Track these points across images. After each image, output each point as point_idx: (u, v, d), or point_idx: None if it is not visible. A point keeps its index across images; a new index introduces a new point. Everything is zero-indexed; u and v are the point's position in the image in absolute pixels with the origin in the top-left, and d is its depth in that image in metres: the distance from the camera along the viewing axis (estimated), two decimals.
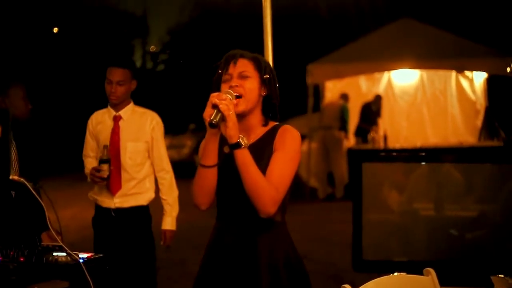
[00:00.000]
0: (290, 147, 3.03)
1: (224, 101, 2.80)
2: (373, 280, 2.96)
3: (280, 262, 3.05)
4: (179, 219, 5.09)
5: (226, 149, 2.98)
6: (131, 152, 4.88)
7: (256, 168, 2.88)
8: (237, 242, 3.04)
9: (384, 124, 13.36)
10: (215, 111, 2.80)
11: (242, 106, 2.98)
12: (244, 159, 2.86)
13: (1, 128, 2.68)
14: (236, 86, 2.98)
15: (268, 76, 3.09)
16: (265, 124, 3.12)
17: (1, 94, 4.32)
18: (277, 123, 3.15)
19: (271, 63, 4.12)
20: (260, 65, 3.08)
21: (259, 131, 3.10)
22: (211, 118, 2.78)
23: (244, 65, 3.04)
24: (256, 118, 3.09)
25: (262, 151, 3.02)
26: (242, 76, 3.02)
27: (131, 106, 4.97)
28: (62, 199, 12.95)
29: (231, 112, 2.80)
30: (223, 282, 3.06)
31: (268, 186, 2.88)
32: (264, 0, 4.28)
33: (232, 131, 2.82)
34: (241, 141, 2.83)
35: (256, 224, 3.00)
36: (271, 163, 2.97)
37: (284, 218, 3.14)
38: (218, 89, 3.03)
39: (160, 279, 5.09)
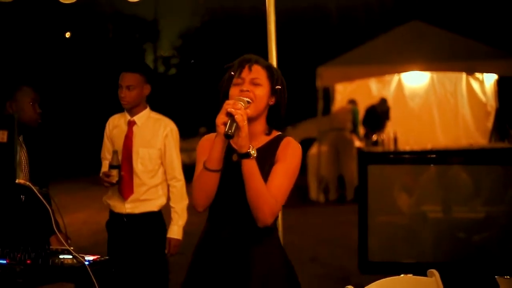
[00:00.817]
0: (292, 161, 3.06)
1: (239, 111, 2.82)
2: (376, 282, 2.98)
3: (273, 273, 3.07)
4: (193, 223, 5.07)
5: (235, 157, 3.01)
6: (143, 158, 4.86)
7: (261, 179, 2.91)
8: (230, 247, 3.05)
9: (395, 126, 13.31)
10: (230, 121, 2.82)
11: (250, 110, 2.99)
12: (251, 169, 2.89)
13: (7, 133, 2.72)
14: (247, 91, 3.00)
15: (280, 87, 3.11)
16: (268, 133, 3.14)
17: (9, 98, 4.30)
18: (280, 133, 3.18)
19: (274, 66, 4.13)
20: (273, 75, 3.10)
21: (261, 139, 3.12)
22: (227, 129, 2.81)
23: (257, 72, 3.06)
24: (260, 125, 3.12)
25: (264, 160, 3.03)
26: (254, 83, 3.03)
27: (146, 112, 4.95)
28: (75, 203, 13.01)
29: (245, 123, 2.83)
30: (211, 286, 3.07)
31: (269, 198, 2.92)
32: (268, 5, 4.28)
33: (244, 141, 2.85)
34: (250, 151, 2.86)
35: (250, 228, 3.01)
36: (271, 175, 3.00)
37: (275, 223, 3.17)
38: (227, 92, 3.07)
39: (171, 284, 5.10)
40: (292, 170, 3.05)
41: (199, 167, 3.06)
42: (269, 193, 2.93)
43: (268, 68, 3.11)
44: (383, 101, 13.74)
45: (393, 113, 13.74)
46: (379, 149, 12.18)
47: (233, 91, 3.04)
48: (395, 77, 14.33)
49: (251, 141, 2.99)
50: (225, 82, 3.11)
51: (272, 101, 3.11)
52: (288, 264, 3.19)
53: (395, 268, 4.02)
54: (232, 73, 3.08)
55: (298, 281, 3.20)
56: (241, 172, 2.93)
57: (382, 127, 13.27)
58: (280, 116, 3.16)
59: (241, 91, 3.01)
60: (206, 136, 3.21)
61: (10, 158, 2.75)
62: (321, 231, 10.02)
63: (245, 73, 3.05)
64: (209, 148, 3.00)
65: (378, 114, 13.54)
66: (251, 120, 3.02)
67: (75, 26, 25.19)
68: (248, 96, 2.99)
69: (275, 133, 3.16)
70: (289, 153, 3.07)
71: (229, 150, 3.05)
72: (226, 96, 3.05)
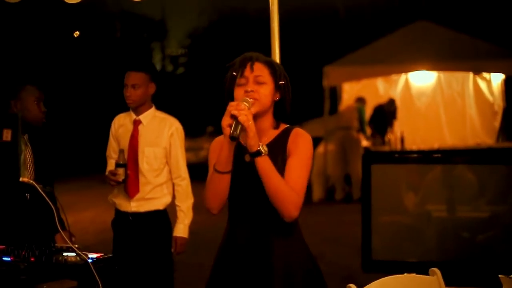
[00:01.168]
0: (304, 151, 3.08)
1: (243, 111, 2.84)
2: (378, 280, 2.99)
3: (296, 267, 3.08)
4: (197, 222, 5.09)
5: (247, 158, 3.02)
6: (148, 157, 4.89)
7: (278, 174, 2.93)
8: (251, 245, 3.07)
9: (401, 125, 13.34)
10: (234, 123, 2.84)
11: (256, 108, 3.01)
12: (266, 166, 2.91)
13: (11, 131, 2.75)
14: (252, 91, 3.01)
15: (283, 82, 3.12)
16: (276, 127, 3.15)
17: (13, 97, 4.31)
18: (288, 125, 3.19)
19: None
20: (275, 71, 3.10)
21: (270, 134, 3.13)
22: (232, 131, 2.83)
23: (260, 70, 3.06)
24: (267, 121, 3.12)
25: (275, 154, 3.05)
26: (258, 82, 3.03)
27: (152, 111, 4.98)
28: (82, 202, 13.05)
29: (250, 122, 2.84)
30: (235, 285, 3.08)
31: (290, 191, 2.94)
32: (271, 4, 4.29)
33: (253, 141, 2.87)
34: (261, 149, 2.88)
35: (271, 226, 3.04)
36: (287, 169, 3.02)
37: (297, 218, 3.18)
38: (231, 91, 3.07)
39: (176, 282, 5.12)
40: (306, 161, 3.07)
41: (211, 170, 3.07)
42: (289, 186, 2.95)
43: (270, 64, 3.12)
44: (391, 102, 13.76)
45: (400, 113, 13.75)
46: (386, 148, 12.21)
47: (238, 91, 3.05)
48: (402, 77, 14.34)
49: (261, 137, 3.03)
50: (228, 82, 3.11)
51: (277, 97, 3.11)
52: (310, 258, 3.19)
53: (399, 267, 4.03)
54: (234, 73, 3.08)
55: (322, 275, 3.21)
56: (254, 169, 2.95)
57: (389, 126, 13.28)
58: (286, 110, 3.17)
59: (246, 91, 3.01)
60: (217, 139, 3.21)
61: (14, 157, 2.79)
62: (327, 230, 10.03)
63: (247, 72, 3.05)
64: (218, 152, 3.02)
65: (385, 114, 13.55)
66: (258, 117, 3.04)
67: (82, 26, 25.25)
68: (253, 97, 3.00)
69: (283, 126, 3.17)
70: (300, 144, 3.08)
71: (241, 150, 3.07)
72: (230, 97, 3.07)
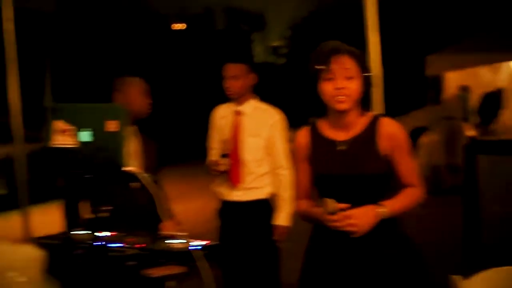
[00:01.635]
0: (404, 140, 3.10)
1: (343, 221, 2.92)
2: (482, 272, 2.96)
3: (401, 258, 3.07)
4: None
5: None
6: (250, 148, 4.95)
7: (402, 201, 3.05)
8: (347, 239, 3.01)
9: (508, 114, 12.99)
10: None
11: (347, 105, 3.02)
12: (395, 212, 3.01)
13: (118, 123, 2.84)
14: (343, 88, 2.99)
15: (368, 74, 3.09)
16: (362, 114, 3.13)
17: (119, 89, 4.39)
18: (373, 113, 3.17)
19: (377, 57, 4.10)
20: (362, 63, 3.06)
21: (359, 123, 3.11)
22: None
23: (347, 63, 3.00)
24: (355, 113, 3.10)
25: (367, 142, 3.06)
26: (347, 77, 2.99)
27: (253, 102, 5.03)
28: (190, 191, 13.27)
29: (355, 225, 2.91)
30: (334, 274, 3.11)
31: (416, 196, 3.10)
32: None
33: (368, 228, 2.95)
34: (383, 214, 2.97)
35: None
36: (401, 168, 3.08)
37: None
38: (316, 84, 3.05)
39: (283, 270, 5.14)
40: (410, 150, 3.12)
41: (298, 166, 3.23)
42: (412, 191, 3.08)
43: (356, 56, 3.05)
44: (499, 90, 13.43)
45: (506, 102, 13.38)
46: (493, 138, 11.90)
47: (326, 86, 3.03)
48: (507, 65, 13.94)
49: (349, 129, 3.09)
50: (313, 75, 3.06)
51: (363, 88, 3.09)
52: (414, 249, 3.17)
53: (507, 259, 3.96)
54: (321, 67, 3.02)
55: (427, 266, 3.19)
56: (346, 161, 3.01)
57: (496, 116, 12.96)
58: (369, 99, 3.16)
59: (336, 89, 2.99)
60: (301, 133, 3.25)
61: (122, 146, 2.89)
62: (433, 221, 9.88)
63: (335, 66, 3.00)
64: (305, 147, 3.15)
65: (493, 103, 13.23)
66: (346, 111, 3.05)
67: (185, 19, 25.70)
68: (344, 93, 2.99)
69: (369, 114, 3.15)
70: (399, 136, 3.09)
71: (332, 140, 3.11)
72: (315, 90, 3.07)
